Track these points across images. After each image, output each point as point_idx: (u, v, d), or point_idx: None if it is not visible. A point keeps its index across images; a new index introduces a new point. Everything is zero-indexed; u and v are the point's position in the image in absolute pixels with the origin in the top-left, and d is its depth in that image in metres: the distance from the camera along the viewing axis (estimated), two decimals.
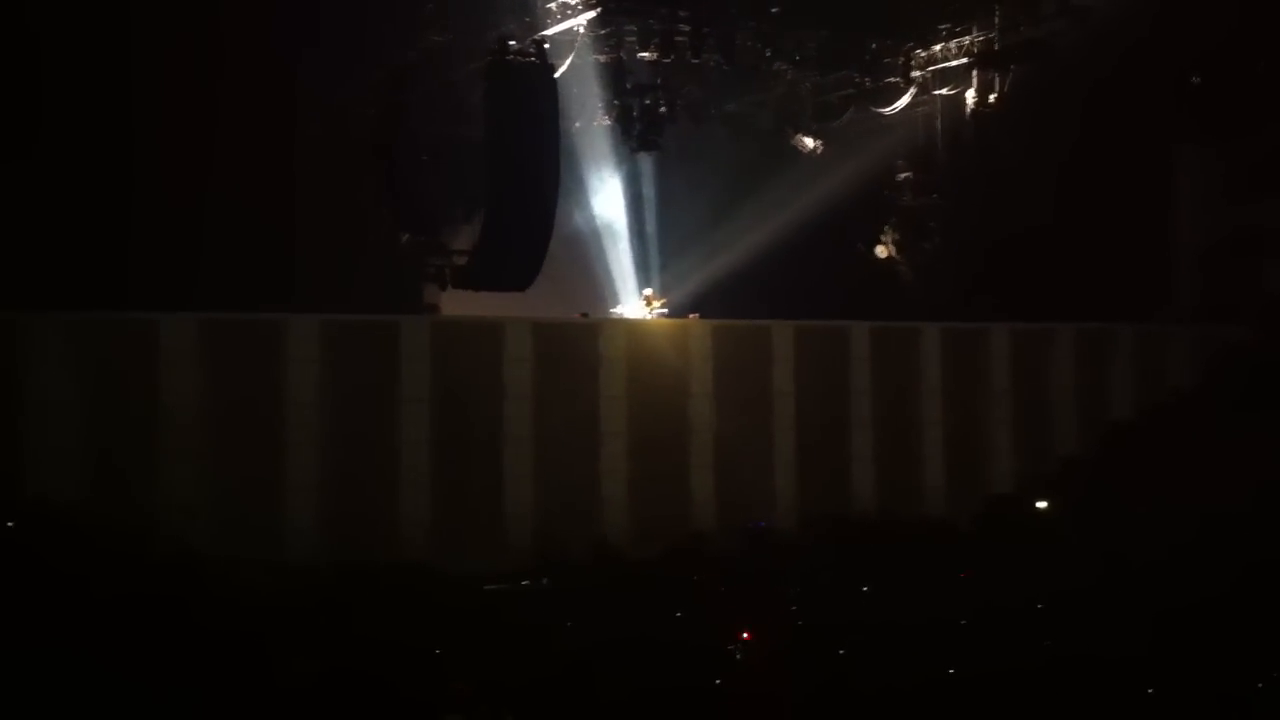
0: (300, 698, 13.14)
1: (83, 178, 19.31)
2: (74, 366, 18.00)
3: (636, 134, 27.19)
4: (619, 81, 26.49)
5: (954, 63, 27.18)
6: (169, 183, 19.74)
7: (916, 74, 27.54)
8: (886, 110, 28.11)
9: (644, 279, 27.46)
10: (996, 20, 26.18)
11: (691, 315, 24.01)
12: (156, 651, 13.14)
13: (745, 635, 15.71)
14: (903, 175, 29.73)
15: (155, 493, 18.09)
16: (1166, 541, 17.88)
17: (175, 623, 13.87)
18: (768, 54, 26.95)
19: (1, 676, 12.48)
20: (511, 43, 23.97)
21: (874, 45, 27.39)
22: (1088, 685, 14.35)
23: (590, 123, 27.81)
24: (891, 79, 27.74)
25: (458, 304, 24.65)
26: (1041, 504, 22.31)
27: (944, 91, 27.88)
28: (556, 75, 24.21)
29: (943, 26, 27.11)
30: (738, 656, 15.46)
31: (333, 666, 13.75)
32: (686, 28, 25.67)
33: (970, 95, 27.17)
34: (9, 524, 16.11)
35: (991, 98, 26.66)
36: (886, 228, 29.69)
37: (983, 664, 14.97)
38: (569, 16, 24.71)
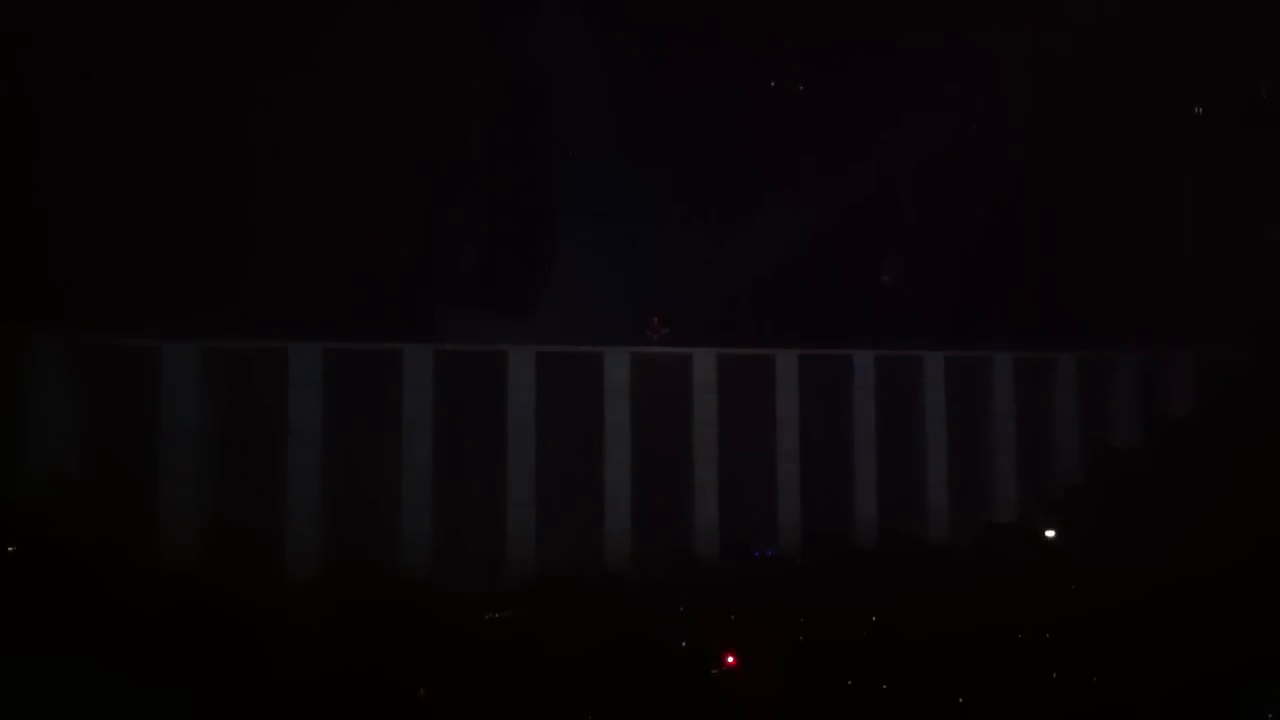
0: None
1: (93, 200, 19.41)
2: (76, 390, 18.13)
3: (639, 155, 27.16)
4: (621, 103, 26.51)
5: (957, 80, 27.11)
6: (171, 206, 19.81)
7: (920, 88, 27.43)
8: (889, 129, 27.97)
9: (649, 303, 27.30)
10: (1000, 40, 26.17)
11: (696, 341, 23.91)
12: (154, 661, 13.32)
13: (730, 659, 15.71)
14: (906, 198, 29.61)
15: (158, 513, 18.21)
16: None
17: (176, 636, 14.02)
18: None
19: (17, 683, 12.69)
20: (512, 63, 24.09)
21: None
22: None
23: (595, 143, 27.79)
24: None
25: (461, 327, 24.55)
26: (1050, 533, 22.19)
27: (949, 109, 27.75)
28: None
29: (945, 45, 27.03)
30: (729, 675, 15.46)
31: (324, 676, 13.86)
32: (684, 47, 25.70)
33: (975, 114, 27.10)
34: (9, 548, 16.16)
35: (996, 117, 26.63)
36: (891, 252, 29.55)
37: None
38: (569, 36, 24.77)
